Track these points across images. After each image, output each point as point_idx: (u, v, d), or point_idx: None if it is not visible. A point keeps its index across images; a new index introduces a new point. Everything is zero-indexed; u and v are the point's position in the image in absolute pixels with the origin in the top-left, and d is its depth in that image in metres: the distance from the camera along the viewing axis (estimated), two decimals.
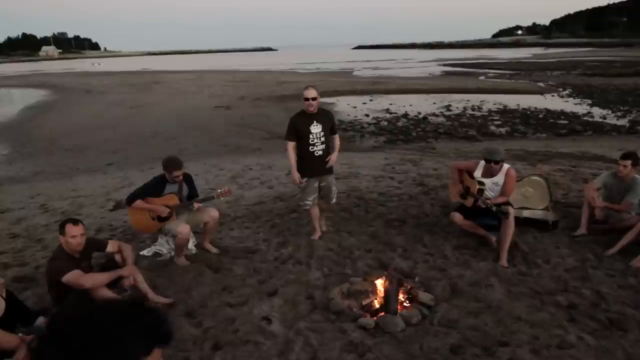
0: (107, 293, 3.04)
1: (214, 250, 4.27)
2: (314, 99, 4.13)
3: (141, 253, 4.28)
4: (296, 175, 4.23)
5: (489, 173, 4.11)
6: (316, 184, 4.34)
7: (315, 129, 4.18)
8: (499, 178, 4.07)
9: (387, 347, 2.69)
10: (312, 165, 4.24)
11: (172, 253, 4.14)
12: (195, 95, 21.91)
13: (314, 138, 4.18)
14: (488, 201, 3.91)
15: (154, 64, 64.68)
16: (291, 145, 4.23)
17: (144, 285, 3.30)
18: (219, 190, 4.16)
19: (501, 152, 4.06)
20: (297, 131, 4.17)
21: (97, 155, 10.94)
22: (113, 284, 3.25)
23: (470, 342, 2.70)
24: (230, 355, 2.69)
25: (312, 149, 4.19)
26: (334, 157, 4.33)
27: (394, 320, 2.88)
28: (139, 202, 3.91)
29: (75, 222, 3.05)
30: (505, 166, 4.07)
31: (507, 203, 4.04)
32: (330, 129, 4.31)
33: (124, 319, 0.67)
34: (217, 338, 2.86)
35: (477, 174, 4.19)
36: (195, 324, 3.05)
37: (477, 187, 4.11)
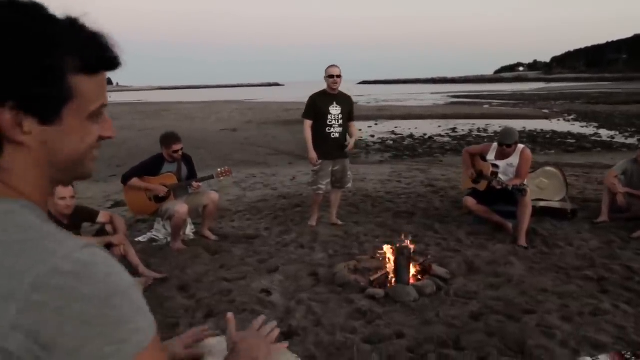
0: None
1: (213, 237, 4.03)
2: (338, 76, 4.02)
3: (136, 239, 4.06)
4: (313, 154, 4.03)
5: (502, 155, 3.92)
6: (330, 168, 4.15)
7: (335, 110, 4.04)
8: (514, 159, 3.87)
9: (400, 315, 2.41)
10: (327, 147, 4.06)
11: (169, 239, 3.92)
12: (202, 120, 22.10)
13: (332, 119, 4.03)
14: (502, 181, 3.70)
15: (164, 97, 66.23)
16: (308, 124, 4.06)
17: (134, 259, 3.07)
18: (219, 170, 3.98)
19: (515, 134, 3.88)
20: (316, 109, 4.02)
21: (101, 168, 10.83)
22: None
23: (493, 309, 2.43)
24: (224, 322, 2.41)
25: (329, 130, 4.03)
26: (352, 143, 4.18)
27: (405, 290, 2.61)
28: (135, 180, 3.73)
29: None
30: (520, 146, 3.88)
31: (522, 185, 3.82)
32: (348, 114, 4.16)
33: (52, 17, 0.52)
34: (211, 307, 2.61)
35: (491, 156, 3.99)
36: (188, 296, 2.81)
37: (491, 169, 3.91)
